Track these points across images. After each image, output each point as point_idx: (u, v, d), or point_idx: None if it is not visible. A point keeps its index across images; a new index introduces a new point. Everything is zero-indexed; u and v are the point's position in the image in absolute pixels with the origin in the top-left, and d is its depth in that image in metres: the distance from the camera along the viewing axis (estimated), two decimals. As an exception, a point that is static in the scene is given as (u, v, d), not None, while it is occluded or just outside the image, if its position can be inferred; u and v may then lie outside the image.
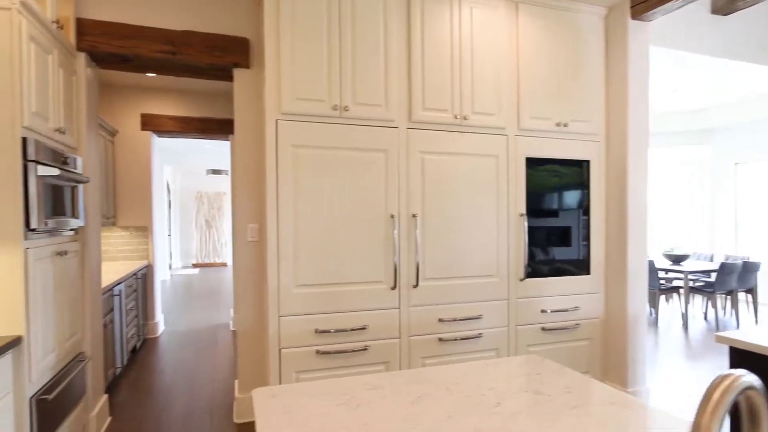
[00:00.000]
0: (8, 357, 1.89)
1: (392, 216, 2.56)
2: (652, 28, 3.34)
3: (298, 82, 2.39)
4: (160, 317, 5.38)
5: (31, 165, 1.99)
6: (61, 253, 2.36)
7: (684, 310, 5.49)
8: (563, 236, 2.97)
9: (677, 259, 5.83)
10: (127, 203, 5.01)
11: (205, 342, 4.94)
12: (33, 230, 2.03)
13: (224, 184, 12.23)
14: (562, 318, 2.94)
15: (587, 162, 3.01)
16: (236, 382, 3.18)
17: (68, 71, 2.51)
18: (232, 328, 5.49)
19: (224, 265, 12.32)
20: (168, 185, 11.00)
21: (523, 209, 2.84)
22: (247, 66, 2.93)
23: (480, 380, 1.35)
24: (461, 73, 2.68)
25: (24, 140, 1.96)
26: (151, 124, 5.00)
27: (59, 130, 2.34)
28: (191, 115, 5.13)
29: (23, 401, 1.95)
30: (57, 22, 2.33)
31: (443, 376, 1.38)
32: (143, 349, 4.70)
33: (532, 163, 2.86)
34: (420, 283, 2.63)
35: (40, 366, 2.08)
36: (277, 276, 2.38)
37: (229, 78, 3.18)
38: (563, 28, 2.92)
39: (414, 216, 2.61)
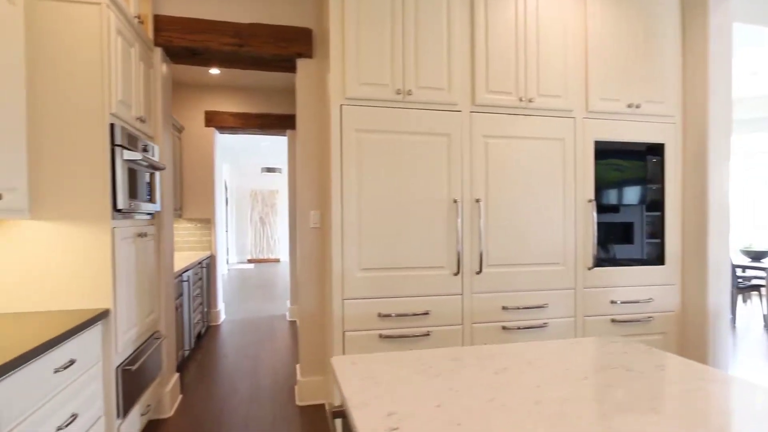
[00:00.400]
0: (98, 328, 2.03)
1: (455, 201, 2.53)
2: (735, 1, 3.10)
3: (362, 68, 2.41)
4: (221, 306, 5.61)
5: (117, 149, 2.13)
6: (141, 235, 2.51)
7: (766, 311, 5.07)
8: (625, 233, 2.82)
9: (757, 256, 5.39)
10: (191, 196, 5.27)
11: (264, 331, 5.10)
12: (119, 211, 2.17)
13: (278, 182, 12.59)
14: (633, 310, 2.79)
15: (657, 148, 2.84)
16: (297, 366, 3.25)
17: (147, 64, 2.66)
18: (288, 319, 5.63)
19: (277, 260, 12.68)
20: (225, 183, 11.47)
21: (591, 195, 2.72)
22: (309, 56, 2.99)
23: (562, 356, 1.30)
24: (526, 53, 2.60)
25: (112, 126, 2.10)
26: (214, 120, 5.23)
27: (140, 119, 2.48)
28: (251, 111, 5.32)
29: (111, 370, 2.08)
30: (138, 17, 2.48)
31: (522, 352, 1.34)
32: (207, 335, 4.91)
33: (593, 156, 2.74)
34: (483, 269, 2.58)
35: (124, 338, 2.22)
36: (341, 259, 2.41)
37: (292, 69, 3.26)
38: (635, 2, 2.77)
39: (477, 201, 2.56)
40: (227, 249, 11.89)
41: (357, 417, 0.91)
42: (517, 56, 2.59)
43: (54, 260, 2.03)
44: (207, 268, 5.09)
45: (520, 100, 2.60)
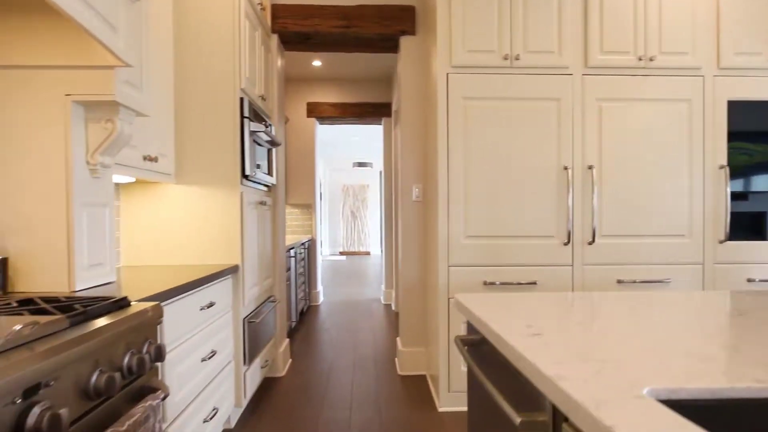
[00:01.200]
0: (229, 280, 2.25)
1: (565, 168, 2.43)
2: None
3: (469, 35, 2.41)
4: (320, 288, 5.92)
5: (245, 121, 2.35)
6: (262, 203, 2.74)
7: None
8: (755, 224, 2.49)
9: None
10: (294, 184, 5.62)
11: (361, 311, 5.29)
12: (246, 177, 2.39)
13: (368, 177, 12.95)
14: (776, 290, 2.47)
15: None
16: (398, 339, 3.33)
17: (266, 49, 2.90)
18: (383, 302, 5.78)
19: (367, 253, 13.03)
20: (319, 178, 12.04)
21: (723, 160, 2.46)
22: (412, 33, 3.05)
23: (706, 300, 1.20)
24: (646, 8, 2.43)
25: (241, 100, 2.33)
26: (315, 111, 5.53)
27: (262, 97, 2.71)
28: (348, 101, 5.54)
29: (239, 320, 2.31)
30: (260, 4, 2.71)
31: (655, 295, 1.26)
32: (308, 312, 5.21)
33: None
34: (596, 239, 2.45)
35: (249, 294, 2.44)
36: (447, 226, 2.43)
37: (393, 49, 3.35)
38: (779, -55, 2.46)
39: (590, 168, 2.44)
40: (320, 242, 12.49)
41: (496, 327, 0.93)
42: (636, 11, 2.42)
43: (193, 221, 2.30)
44: (308, 249, 5.40)
45: (639, 59, 2.43)
